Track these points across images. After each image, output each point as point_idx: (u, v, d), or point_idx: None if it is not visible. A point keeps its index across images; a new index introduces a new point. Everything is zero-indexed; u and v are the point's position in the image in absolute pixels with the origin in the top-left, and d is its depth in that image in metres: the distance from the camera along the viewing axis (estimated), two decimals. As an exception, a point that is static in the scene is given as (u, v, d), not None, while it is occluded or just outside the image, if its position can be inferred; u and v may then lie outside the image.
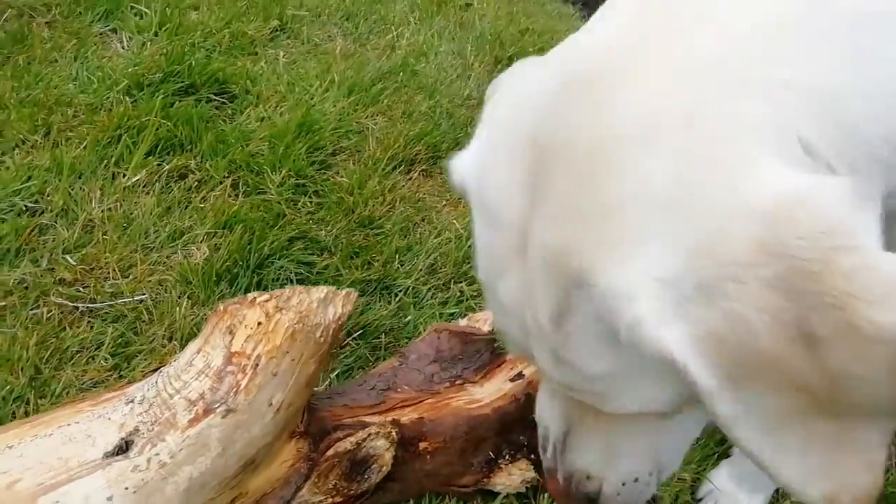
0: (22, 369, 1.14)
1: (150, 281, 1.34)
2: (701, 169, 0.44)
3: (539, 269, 0.49)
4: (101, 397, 0.94)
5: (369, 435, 1.03)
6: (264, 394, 0.93)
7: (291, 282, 1.40)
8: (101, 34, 1.92)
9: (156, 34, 1.94)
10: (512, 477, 1.16)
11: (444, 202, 1.74)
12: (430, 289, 1.49)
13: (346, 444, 1.02)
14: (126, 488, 0.85)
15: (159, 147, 1.59)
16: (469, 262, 1.54)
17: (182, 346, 0.98)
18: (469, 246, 1.58)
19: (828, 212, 0.40)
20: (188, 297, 1.32)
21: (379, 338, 1.38)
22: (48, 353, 1.17)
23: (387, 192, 1.68)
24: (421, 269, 1.52)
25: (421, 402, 1.14)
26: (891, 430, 0.43)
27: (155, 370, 0.97)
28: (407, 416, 1.11)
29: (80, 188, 1.45)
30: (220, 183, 1.56)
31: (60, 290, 1.27)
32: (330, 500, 1.02)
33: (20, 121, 1.54)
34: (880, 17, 0.48)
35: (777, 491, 1.31)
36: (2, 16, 1.84)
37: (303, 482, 1.01)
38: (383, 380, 1.16)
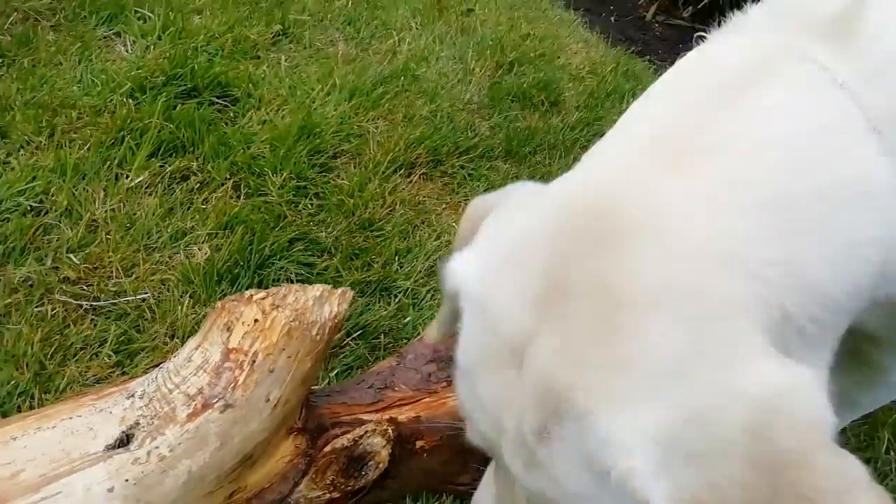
0: (27, 365, 1.16)
1: (152, 280, 1.36)
2: (701, 346, 0.49)
3: (534, 386, 0.53)
4: (102, 392, 0.96)
5: (366, 432, 1.05)
6: (261, 390, 0.94)
7: (292, 282, 1.42)
8: (105, 38, 1.94)
9: (159, 38, 1.97)
10: (507, 475, 1.17)
11: (443, 205, 1.76)
12: (428, 290, 1.51)
13: (344, 441, 1.04)
14: (126, 480, 0.87)
15: (162, 149, 1.61)
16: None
17: (183, 344, 1.00)
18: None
19: (809, 409, 0.47)
20: (190, 296, 1.34)
21: (378, 338, 1.40)
22: (52, 349, 1.19)
23: (387, 195, 1.70)
24: (420, 271, 1.54)
25: (418, 400, 1.16)
26: None
27: (156, 366, 0.99)
28: (404, 414, 1.13)
29: (84, 189, 1.47)
30: (222, 184, 1.58)
31: (65, 288, 1.29)
32: (328, 495, 1.04)
33: (25, 122, 1.56)
34: (845, 195, 0.55)
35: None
36: (8, 19, 1.86)
37: (301, 478, 1.03)
38: (381, 379, 1.18)
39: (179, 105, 1.74)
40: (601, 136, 1.92)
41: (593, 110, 2.24)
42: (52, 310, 1.25)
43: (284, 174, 1.64)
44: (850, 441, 1.43)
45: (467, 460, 1.17)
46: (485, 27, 2.56)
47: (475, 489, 1.19)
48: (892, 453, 1.43)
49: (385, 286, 1.49)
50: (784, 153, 0.54)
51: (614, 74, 2.46)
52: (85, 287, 1.31)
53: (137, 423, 0.91)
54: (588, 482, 0.51)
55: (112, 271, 1.35)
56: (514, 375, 0.55)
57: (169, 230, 1.45)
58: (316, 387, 1.20)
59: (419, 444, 1.12)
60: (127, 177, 1.54)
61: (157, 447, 0.89)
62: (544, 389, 0.52)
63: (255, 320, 0.95)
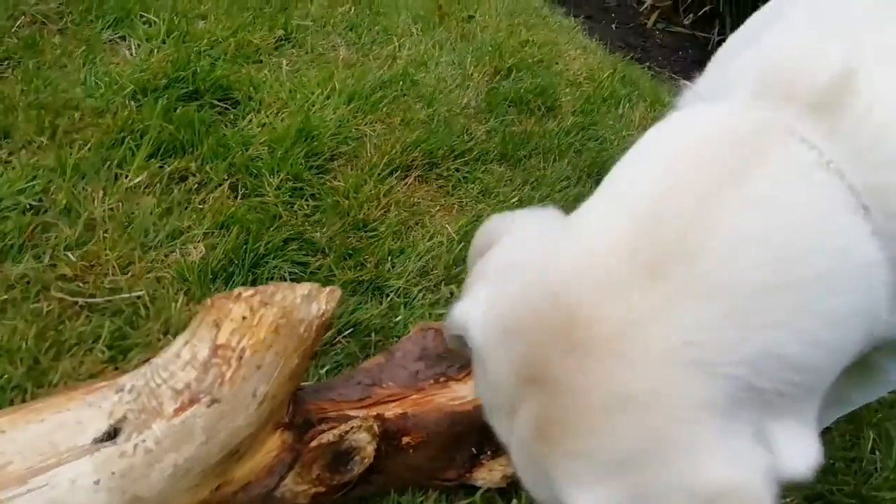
0: (21, 360, 1.18)
1: (147, 278, 1.38)
2: (656, 446, 0.54)
3: (520, 447, 0.62)
4: (92, 386, 0.98)
5: (352, 428, 1.07)
6: (248, 385, 0.96)
7: (285, 280, 1.44)
8: (110, 41, 1.98)
9: (163, 42, 2.00)
10: (493, 472, 1.19)
11: (437, 207, 1.77)
12: (420, 290, 1.53)
13: (330, 437, 1.06)
14: (113, 473, 0.89)
15: (161, 150, 1.63)
16: (458, 266, 1.57)
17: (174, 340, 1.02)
18: (460, 250, 1.62)
19: None
20: (184, 294, 1.36)
21: (369, 336, 1.41)
22: (47, 344, 1.21)
23: (382, 196, 1.72)
24: (412, 271, 1.56)
25: (405, 397, 1.17)
26: None
27: (145, 361, 1.01)
28: (391, 410, 1.15)
29: (83, 188, 1.50)
30: (220, 185, 1.61)
31: (61, 285, 1.32)
32: (314, 489, 1.06)
33: (27, 122, 1.59)
34: (830, 279, 0.57)
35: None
36: (16, 22, 1.90)
37: (287, 472, 1.04)
38: (369, 376, 1.19)
39: (180, 107, 1.77)
40: (596, 140, 1.93)
41: (589, 115, 2.26)
42: (48, 306, 1.28)
43: (281, 175, 1.67)
44: (834, 441, 1.43)
45: (453, 456, 1.18)
46: (485, 33, 2.58)
47: (461, 485, 1.21)
48: (877, 453, 1.43)
49: (377, 285, 1.51)
50: (767, 249, 0.55)
51: (611, 80, 2.48)
52: (81, 284, 1.34)
53: (125, 417, 0.93)
54: None
55: (108, 269, 1.37)
56: (510, 426, 0.63)
57: (166, 229, 1.47)
58: (305, 383, 1.22)
59: (405, 440, 1.13)
60: (126, 177, 1.56)
61: (143, 440, 0.91)
62: (528, 453, 0.61)
63: (244, 317, 0.97)
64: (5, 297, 1.27)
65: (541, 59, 2.52)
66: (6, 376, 1.15)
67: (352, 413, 1.11)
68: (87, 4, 2.03)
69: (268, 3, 2.35)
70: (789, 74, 0.62)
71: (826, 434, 1.46)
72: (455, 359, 1.23)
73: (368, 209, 1.68)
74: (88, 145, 1.59)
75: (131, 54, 1.94)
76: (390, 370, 1.21)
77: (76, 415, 0.93)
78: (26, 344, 1.20)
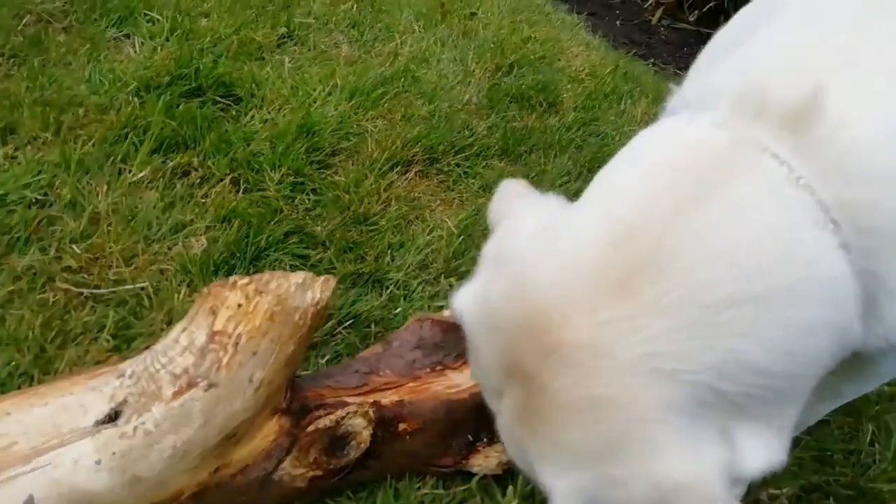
0: (28, 348, 1.21)
1: (151, 270, 1.40)
2: (622, 443, 0.59)
3: (506, 426, 0.67)
4: (95, 371, 1.01)
5: (348, 413, 1.09)
6: (245, 371, 0.98)
7: (285, 273, 1.46)
8: (114, 39, 2.01)
9: (167, 39, 2.03)
10: (489, 459, 1.20)
11: (438, 201, 1.79)
12: (420, 283, 1.54)
13: (326, 422, 1.08)
14: (113, 453, 0.91)
15: (164, 145, 1.66)
16: (458, 259, 1.59)
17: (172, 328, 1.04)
18: (459, 243, 1.64)
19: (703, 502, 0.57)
20: (187, 286, 1.38)
21: (369, 327, 1.43)
22: (53, 333, 1.24)
23: (382, 191, 1.74)
24: (412, 264, 1.57)
25: (402, 385, 1.19)
26: None
27: (146, 348, 1.03)
28: (388, 398, 1.17)
29: (88, 182, 1.53)
30: (221, 180, 1.63)
31: (66, 276, 1.34)
32: (311, 473, 1.08)
33: (33, 119, 1.62)
34: (797, 292, 0.60)
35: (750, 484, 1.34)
36: (21, 21, 1.93)
37: (284, 455, 1.06)
38: (367, 364, 1.21)
39: (183, 104, 1.79)
40: (597, 135, 1.94)
41: (590, 111, 2.27)
42: (54, 297, 1.30)
43: (282, 170, 1.69)
44: (833, 433, 1.44)
45: (450, 443, 1.20)
46: (487, 30, 2.60)
47: (457, 471, 1.22)
48: (876, 445, 1.44)
49: (377, 278, 1.53)
50: (735, 264, 0.59)
51: (613, 76, 2.49)
52: (86, 276, 1.36)
53: (125, 401, 0.95)
54: None
55: (112, 261, 1.40)
56: (499, 406, 0.69)
57: (168, 223, 1.50)
58: (305, 372, 1.24)
59: (402, 426, 1.15)
60: (129, 171, 1.59)
61: (143, 423, 0.93)
62: (511, 430, 0.66)
63: (239, 305, 0.99)
64: (12, 287, 1.30)
65: (543, 56, 2.53)
66: (14, 363, 1.17)
67: (349, 400, 1.13)
68: (91, 3, 2.06)
69: (270, 1, 2.38)
70: (764, 90, 0.64)
71: (824, 426, 1.47)
72: (451, 348, 1.25)
73: (369, 203, 1.70)
74: (92, 141, 1.62)
75: (135, 52, 1.97)
76: (387, 359, 1.23)
77: (79, 398, 0.96)
78: (33, 333, 1.23)
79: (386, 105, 2.04)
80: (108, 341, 1.26)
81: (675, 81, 2.95)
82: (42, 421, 0.93)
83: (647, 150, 0.70)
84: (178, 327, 1.01)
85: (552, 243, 0.66)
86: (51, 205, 1.47)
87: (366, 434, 1.09)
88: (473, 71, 2.32)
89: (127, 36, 2.03)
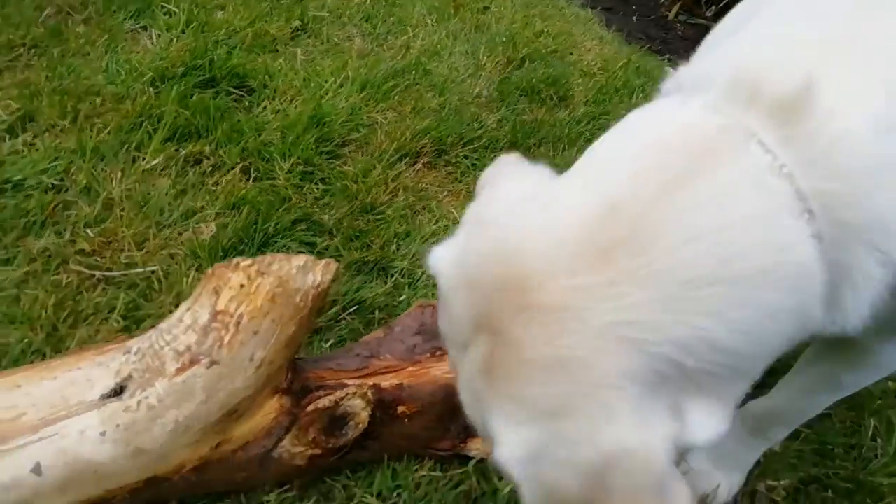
0: (41, 327, 1.25)
1: (161, 254, 1.44)
2: (577, 404, 0.60)
3: (466, 378, 0.69)
4: (103, 348, 1.04)
5: (347, 394, 1.11)
6: (246, 350, 1.01)
7: (292, 259, 1.48)
8: (132, 31, 2.05)
9: (183, 31, 2.07)
10: (486, 443, 1.22)
11: (445, 192, 1.81)
12: (424, 271, 1.56)
13: (326, 402, 1.10)
14: (117, 425, 0.95)
15: (177, 134, 1.70)
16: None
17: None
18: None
19: (641, 473, 0.59)
20: (196, 270, 1.42)
21: (373, 314, 1.46)
22: (65, 313, 1.28)
23: (390, 181, 1.77)
24: (417, 253, 1.60)
25: (402, 369, 1.22)
26: None
27: (153, 327, 1.06)
28: (388, 381, 1.19)
29: (103, 169, 1.57)
30: (232, 168, 1.67)
31: (80, 259, 1.39)
32: (310, 451, 1.10)
33: (51, 107, 1.67)
34: (765, 278, 0.61)
35: (752, 471, 1.35)
36: (42, 12, 1.99)
37: (284, 434, 1.09)
38: (368, 348, 1.24)
39: (197, 94, 1.83)
40: (607, 129, 1.96)
41: (601, 105, 2.27)
42: (67, 278, 1.34)
43: (292, 160, 1.72)
44: (834, 427, 1.44)
45: (448, 427, 1.22)
46: (500, 24, 2.62)
47: (455, 455, 1.24)
48: (878, 440, 1.44)
49: (383, 266, 1.55)
50: (710, 245, 0.60)
51: (625, 71, 2.49)
52: (99, 259, 1.40)
53: (130, 376, 0.99)
54: None
55: (125, 245, 1.44)
56: (461, 357, 0.70)
57: (180, 209, 1.54)
58: (307, 356, 1.27)
59: (401, 409, 1.17)
60: (143, 159, 1.63)
61: (146, 397, 0.97)
62: (471, 382, 0.67)
63: (241, 285, 1.02)
64: (27, 269, 1.34)
65: (555, 50, 2.54)
66: (27, 341, 1.22)
67: (349, 382, 1.16)
68: (110, -5, 2.11)
69: (286, -5, 2.42)
70: (756, 78, 0.66)
71: (825, 420, 1.47)
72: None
73: (376, 193, 1.72)
74: (108, 129, 1.66)
75: (152, 43, 2.01)
76: (388, 344, 1.25)
77: (86, 373, 0.99)
78: (46, 312, 1.27)
79: (396, 97, 2.07)
80: (118, 322, 1.30)
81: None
82: (51, 393, 0.96)
83: (638, 129, 0.72)
84: (182, 307, 1.04)
85: (537, 210, 0.67)
86: (66, 190, 1.51)
87: (364, 415, 1.11)
88: (485, 64, 2.34)
89: (144, 28, 2.08)
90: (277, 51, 2.17)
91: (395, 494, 1.19)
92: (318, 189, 1.70)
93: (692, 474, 1.36)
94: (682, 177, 0.62)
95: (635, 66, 2.58)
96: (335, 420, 1.11)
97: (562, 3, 3.03)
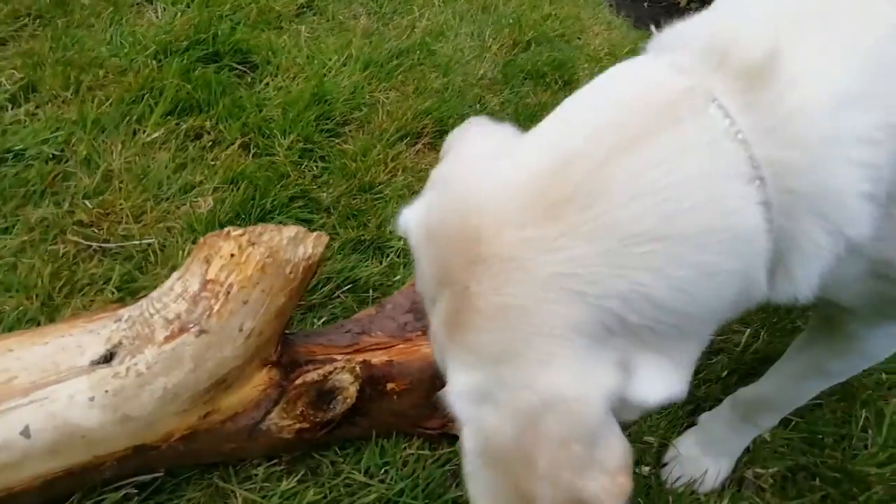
0: (36, 296, 1.26)
1: (158, 227, 1.45)
2: (521, 351, 0.62)
3: (434, 330, 0.71)
4: (94, 315, 1.05)
5: (335, 369, 1.12)
6: (235, 319, 1.02)
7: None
8: (137, 4, 2.05)
9: (188, 5, 2.06)
10: (474, 422, 1.23)
11: (445, 173, 1.81)
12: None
13: (314, 376, 1.11)
14: (106, 391, 0.96)
15: (178, 108, 1.70)
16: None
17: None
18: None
19: (575, 418, 0.61)
20: (192, 243, 1.42)
21: (367, 292, 1.46)
22: (61, 283, 1.29)
23: (390, 161, 1.77)
24: (414, 233, 1.60)
25: (392, 346, 1.22)
26: None
27: (145, 296, 1.07)
28: (378, 357, 1.19)
29: (103, 141, 1.58)
30: (232, 143, 1.67)
31: (77, 229, 1.40)
32: (298, 425, 1.11)
33: (54, 78, 1.67)
34: (708, 238, 0.62)
35: (740, 458, 1.35)
36: (48, -17, 1.99)
37: (272, 406, 1.10)
38: (359, 325, 1.24)
39: (199, 68, 1.83)
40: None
41: (606, 90, 2.26)
42: (64, 248, 1.36)
43: (292, 137, 1.72)
44: (825, 416, 1.44)
45: (436, 406, 1.22)
46: (506, 6, 2.60)
47: (444, 434, 1.25)
48: (868, 431, 1.44)
49: (378, 245, 1.55)
50: (655, 202, 0.61)
51: (632, 56, 2.46)
52: (96, 230, 1.41)
53: (120, 343, 1.00)
54: None
55: (122, 217, 1.45)
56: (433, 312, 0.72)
57: (178, 183, 1.54)
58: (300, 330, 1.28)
59: (390, 385, 1.18)
60: (144, 132, 1.63)
61: (135, 364, 0.98)
62: (437, 334, 0.70)
63: (232, 255, 1.03)
64: (25, 238, 1.35)
65: (562, 34, 2.52)
66: (22, 309, 1.23)
67: (338, 357, 1.16)
68: (117, -32, 2.11)
69: (292, -28, 2.40)
70: (727, 45, 0.66)
71: (816, 409, 1.47)
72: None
73: (375, 173, 1.72)
74: (110, 101, 1.66)
75: (156, 17, 2.01)
76: (380, 321, 1.25)
77: (77, 339, 1.00)
78: (42, 282, 1.28)
79: (399, 77, 2.06)
80: (112, 293, 1.31)
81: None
82: (42, 358, 0.98)
83: (605, 87, 0.73)
84: (174, 275, 1.05)
85: (495, 165, 0.69)
86: (67, 161, 1.52)
87: (352, 390, 1.12)
88: (490, 46, 2.33)
89: (150, 1, 2.07)
90: (282, 27, 2.16)
91: (382, 471, 1.20)
92: (316, 167, 1.70)
93: (680, 459, 1.37)
94: (638, 135, 0.63)
95: (642, 51, 2.56)
96: (323, 394, 1.12)
97: (571, -14, 3.00)
